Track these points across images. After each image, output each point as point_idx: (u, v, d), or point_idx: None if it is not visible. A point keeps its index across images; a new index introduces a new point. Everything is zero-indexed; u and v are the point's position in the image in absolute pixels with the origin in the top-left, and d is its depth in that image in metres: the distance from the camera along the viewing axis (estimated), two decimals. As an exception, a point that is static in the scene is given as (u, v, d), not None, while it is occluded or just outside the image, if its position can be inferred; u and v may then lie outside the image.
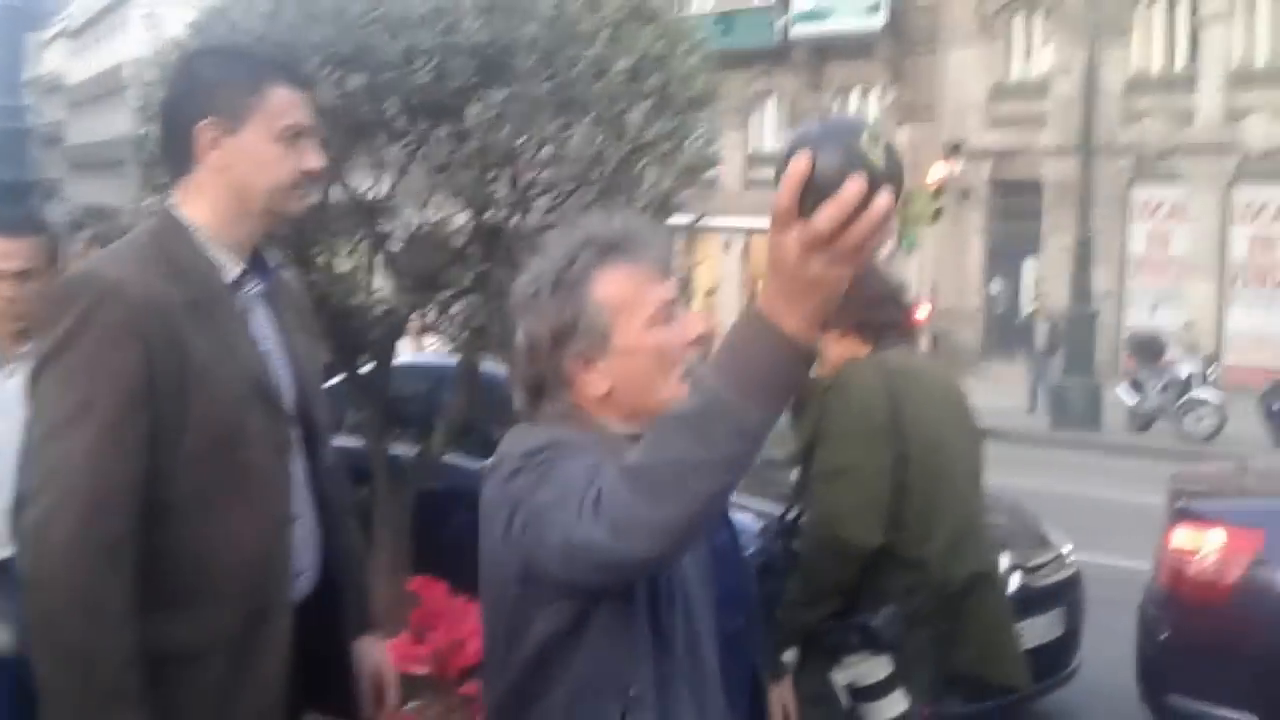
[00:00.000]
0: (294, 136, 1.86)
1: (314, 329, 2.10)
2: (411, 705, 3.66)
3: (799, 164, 1.12)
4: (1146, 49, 20.56)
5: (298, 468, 1.93)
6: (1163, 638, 4.65)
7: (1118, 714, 4.97)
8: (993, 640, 3.05)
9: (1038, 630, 4.91)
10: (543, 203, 3.34)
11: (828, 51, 24.52)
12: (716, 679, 1.65)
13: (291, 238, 3.60)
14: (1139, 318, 19.75)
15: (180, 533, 1.78)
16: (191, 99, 1.86)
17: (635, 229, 1.58)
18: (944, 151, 22.31)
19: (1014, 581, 4.94)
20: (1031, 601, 4.90)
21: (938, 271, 22.83)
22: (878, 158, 1.14)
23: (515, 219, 3.39)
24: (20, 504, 1.72)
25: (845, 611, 2.81)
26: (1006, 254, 22.36)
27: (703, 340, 1.61)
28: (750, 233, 26.61)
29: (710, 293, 24.27)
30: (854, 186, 1.12)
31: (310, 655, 1.94)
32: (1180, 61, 20.11)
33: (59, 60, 54.71)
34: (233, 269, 1.87)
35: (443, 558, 4.46)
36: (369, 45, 3.14)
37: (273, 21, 3.26)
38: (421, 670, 3.90)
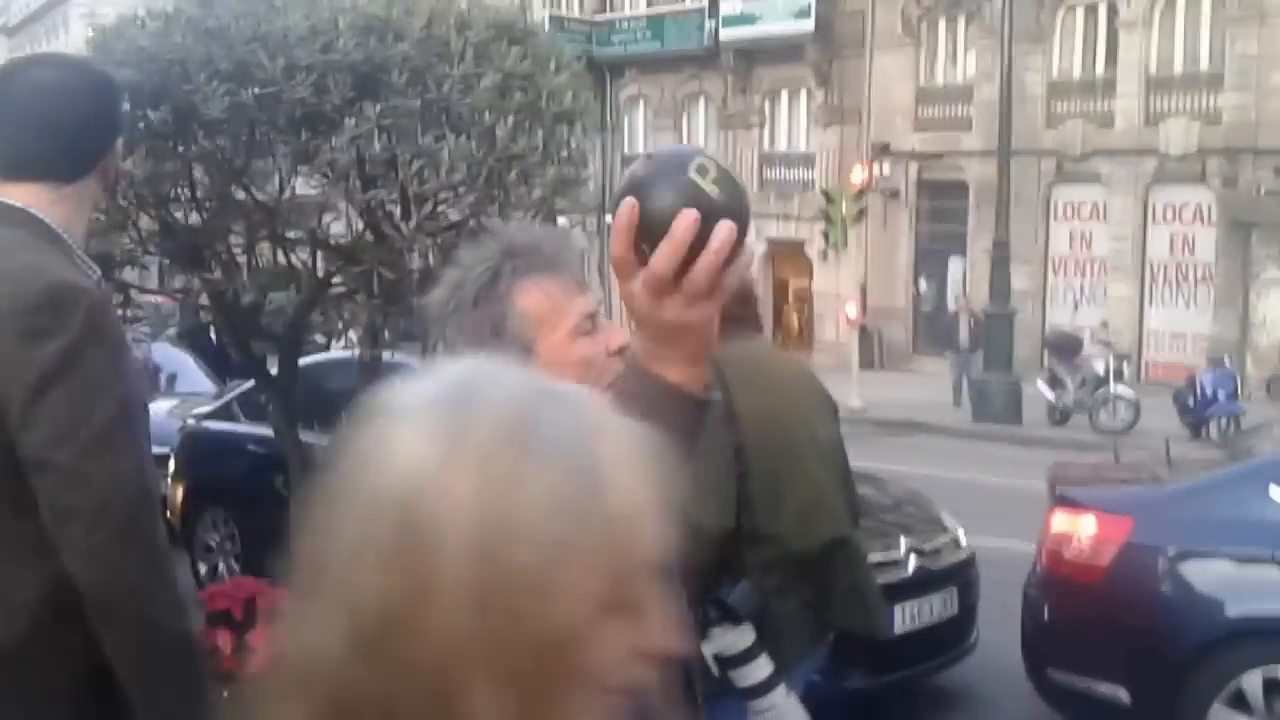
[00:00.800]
0: None
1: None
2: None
3: (625, 209, 1.09)
4: (1068, 54, 21.13)
5: None
6: (1043, 616, 4.95)
7: (1012, 688, 5.23)
8: (854, 597, 3.28)
9: (933, 609, 5.19)
10: (425, 209, 3.57)
11: (756, 55, 24.85)
12: None
13: (192, 240, 3.80)
14: (1061, 316, 20.30)
15: None
16: (111, 118, 1.94)
17: (552, 241, 1.58)
18: (871, 154, 22.77)
19: (911, 564, 5.23)
20: (927, 582, 5.18)
21: (869, 271, 23.28)
22: (710, 188, 1.10)
23: (399, 225, 3.61)
24: (68, 517, 1.65)
25: (710, 588, 3.05)
26: (934, 253, 22.86)
27: (624, 351, 1.59)
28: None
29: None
30: (684, 223, 1.07)
31: None
32: (1100, 67, 20.70)
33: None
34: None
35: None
36: (251, 63, 3.35)
37: (162, 40, 3.47)
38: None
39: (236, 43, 3.38)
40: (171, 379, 9.15)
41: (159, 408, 7.89)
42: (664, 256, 1.07)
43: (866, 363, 22.16)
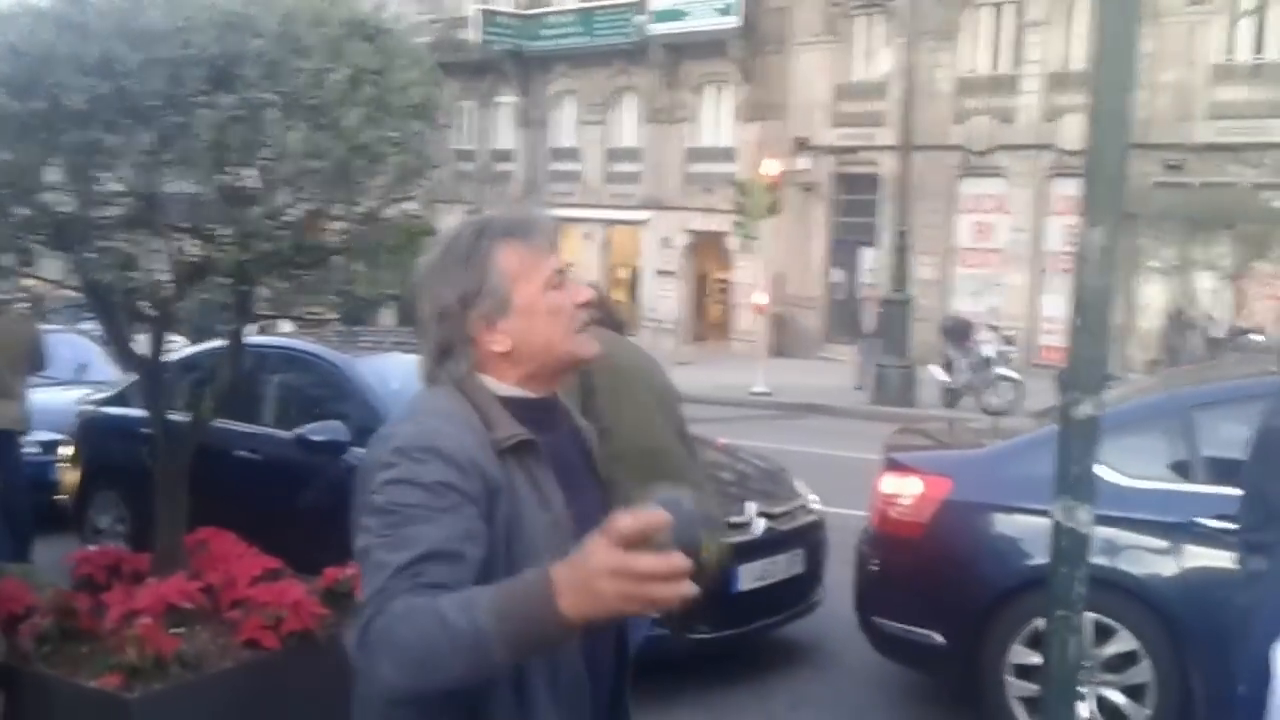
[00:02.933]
0: None
1: None
2: (177, 630, 4.12)
3: (661, 516, 1.36)
4: (976, 52, 21.80)
5: None
6: (871, 569, 5.36)
7: (852, 639, 5.64)
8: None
9: (780, 567, 5.62)
10: (276, 195, 3.90)
11: (683, 50, 25.27)
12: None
13: (66, 225, 4.08)
14: (963, 304, 20.98)
15: None
16: None
17: (528, 214, 1.78)
18: (792, 148, 23.29)
19: (758, 526, 5.65)
20: (775, 543, 5.60)
21: (785, 261, 23.82)
22: (708, 553, 1.54)
23: (263, 208, 3.91)
24: None
25: None
26: (847, 245, 23.46)
27: (589, 304, 1.81)
28: (610, 224, 27.25)
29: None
30: (681, 562, 1.33)
31: None
32: (1005, 64, 21.39)
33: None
34: None
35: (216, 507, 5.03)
36: (113, 56, 3.66)
37: (31, 36, 3.77)
38: (191, 605, 4.38)
39: (99, 37, 3.68)
40: (82, 368, 9.25)
41: (68, 395, 8.09)
42: (650, 564, 1.33)
43: (779, 350, 22.72)
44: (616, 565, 1.33)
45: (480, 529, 1.61)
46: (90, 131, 3.74)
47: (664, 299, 26.50)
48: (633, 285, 27.58)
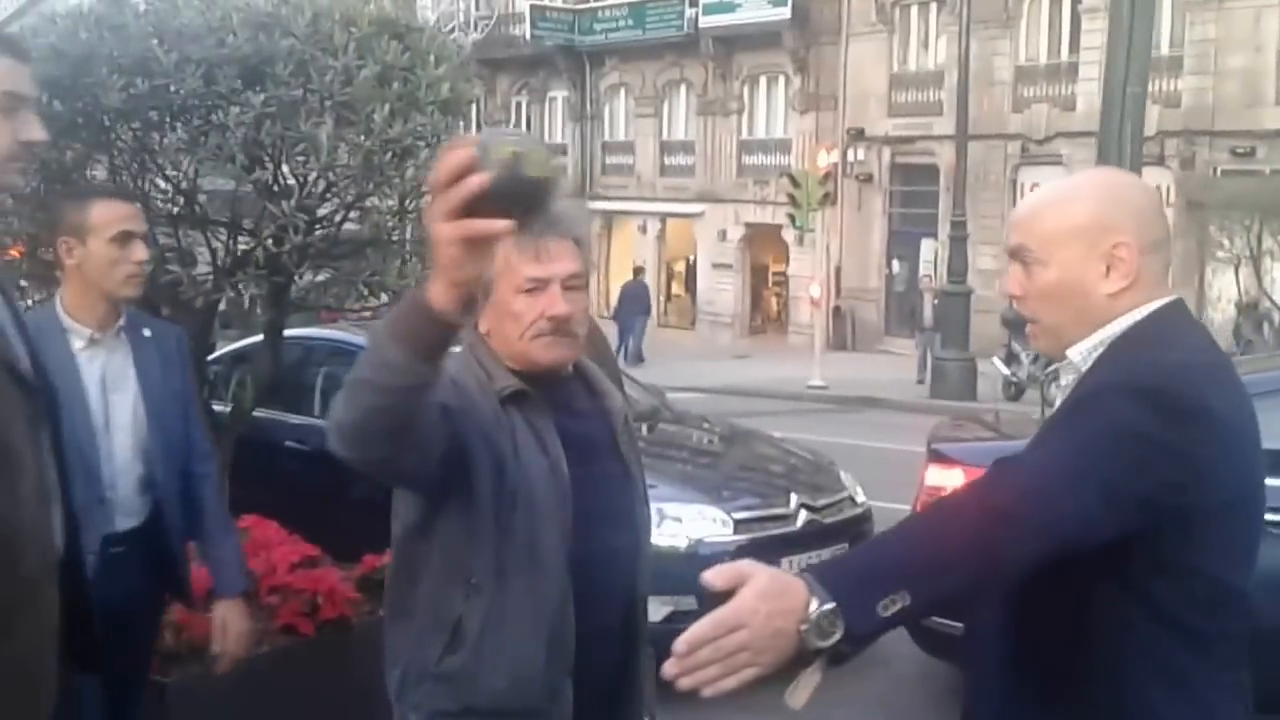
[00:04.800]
0: (10, 106, 1.84)
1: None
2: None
3: (461, 153, 1.41)
4: (1035, 39, 21.48)
5: (44, 440, 1.89)
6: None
7: (896, 636, 5.60)
8: None
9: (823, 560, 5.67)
10: (306, 189, 3.98)
11: (735, 42, 25.18)
12: (558, 577, 1.90)
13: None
14: (1025, 295, 20.63)
15: None
16: None
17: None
18: (847, 139, 23.14)
19: (800, 518, 5.65)
20: (818, 535, 5.59)
21: (843, 253, 23.68)
22: (503, 168, 1.38)
23: (282, 203, 3.98)
24: None
25: None
26: (907, 236, 23.23)
27: (562, 320, 1.91)
28: (665, 217, 27.27)
29: (638, 272, 24.87)
30: (458, 156, 1.39)
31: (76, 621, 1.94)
32: (1065, 51, 21.05)
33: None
34: None
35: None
36: (148, 57, 3.75)
37: (70, 37, 3.87)
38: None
39: (137, 38, 3.78)
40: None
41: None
42: (440, 170, 1.41)
43: (839, 343, 22.59)
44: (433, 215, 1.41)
45: (450, 409, 1.79)
46: (131, 130, 3.84)
47: (720, 292, 26.44)
48: (689, 278, 27.57)
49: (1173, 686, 1.58)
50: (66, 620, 1.89)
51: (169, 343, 2.98)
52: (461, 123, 4.34)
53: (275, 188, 3.98)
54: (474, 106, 4.02)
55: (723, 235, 26.06)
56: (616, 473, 2.03)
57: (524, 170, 1.42)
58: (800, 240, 20.83)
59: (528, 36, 27.49)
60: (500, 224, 1.41)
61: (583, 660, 1.92)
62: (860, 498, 6.17)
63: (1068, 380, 1.72)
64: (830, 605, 1.37)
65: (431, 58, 4.05)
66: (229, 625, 3.04)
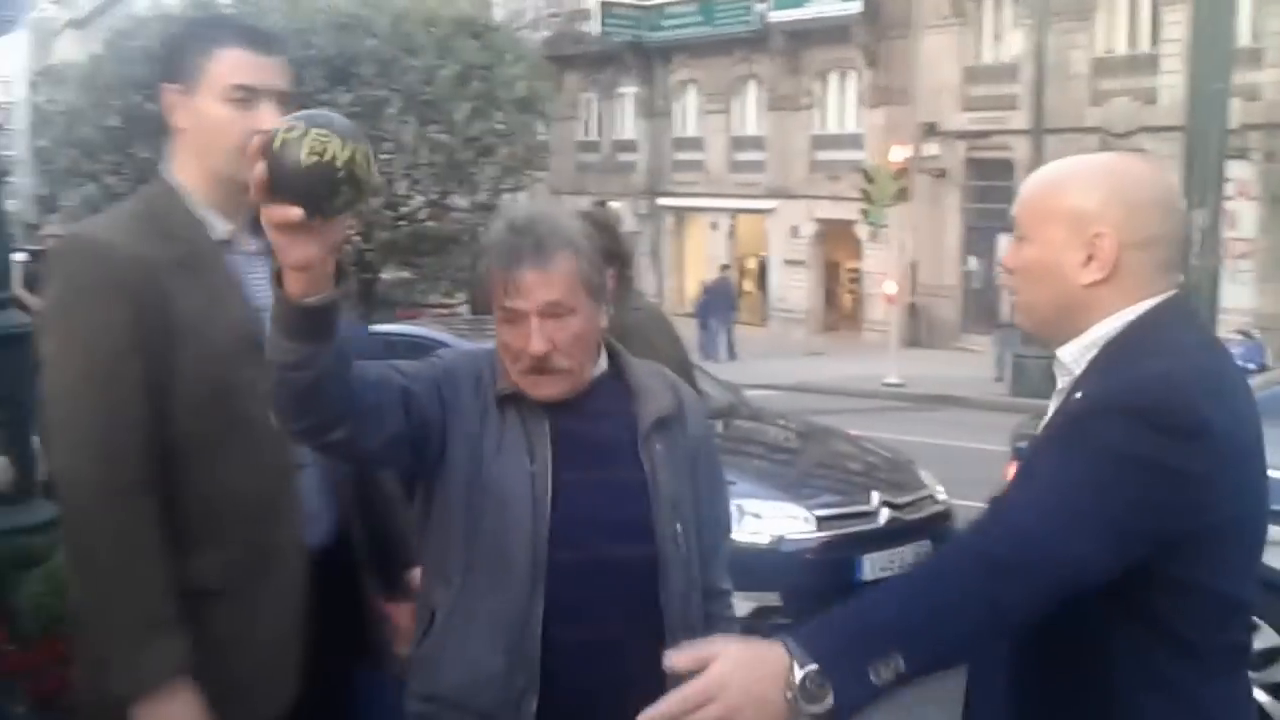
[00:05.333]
0: (245, 98, 1.87)
1: None
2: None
3: (257, 139, 1.45)
4: (1112, 31, 21.01)
5: None
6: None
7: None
8: None
9: (905, 558, 5.50)
10: (402, 186, 4.01)
11: (806, 36, 24.98)
12: (523, 584, 1.85)
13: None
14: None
15: (185, 478, 1.85)
16: (163, 67, 1.92)
17: (517, 242, 1.85)
18: (920, 133, 22.84)
19: (883, 515, 5.58)
20: (900, 533, 5.54)
21: (918, 249, 23.38)
22: (291, 153, 1.40)
23: (383, 199, 4.03)
24: (47, 456, 1.84)
25: None
26: (982, 231, 22.85)
27: (539, 358, 1.84)
28: (735, 214, 27.16)
29: (723, 269, 24.82)
30: (255, 141, 1.44)
31: (333, 606, 1.95)
32: (1144, 43, 20.56)
33: (70, 49, 55.45)
34: (221, 227, 1.93)
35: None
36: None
37: (147, 59, 3.95)
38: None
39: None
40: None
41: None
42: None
43: (913, 340, 22.32)
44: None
45: (422, 397, 1.84)
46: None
47: (793, 289, 26.26)
48: (761, 275, 27.43)
49: (1166, 697, 1.52)
50: (332, 603, 1.93)
51: None
52: (539, 120, 4.34)
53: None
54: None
55: (795, 231, 25.89)
56: (630, 479, 1.93)
57: (286, 157, 1.40)
58: (874, 236, 20.58)
59: (596, 33, 27.53)
60: (285, 213, 1.42)
61: (564, 671, 1.85)
62: (941, 495, 6.09)
63: (1062, 383, 1.65)
64: (813, 667, 1.33)
65: (508, 56, 4.05)
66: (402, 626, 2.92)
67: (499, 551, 1.86)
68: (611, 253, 2.90)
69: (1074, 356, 1.62)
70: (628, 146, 29.69)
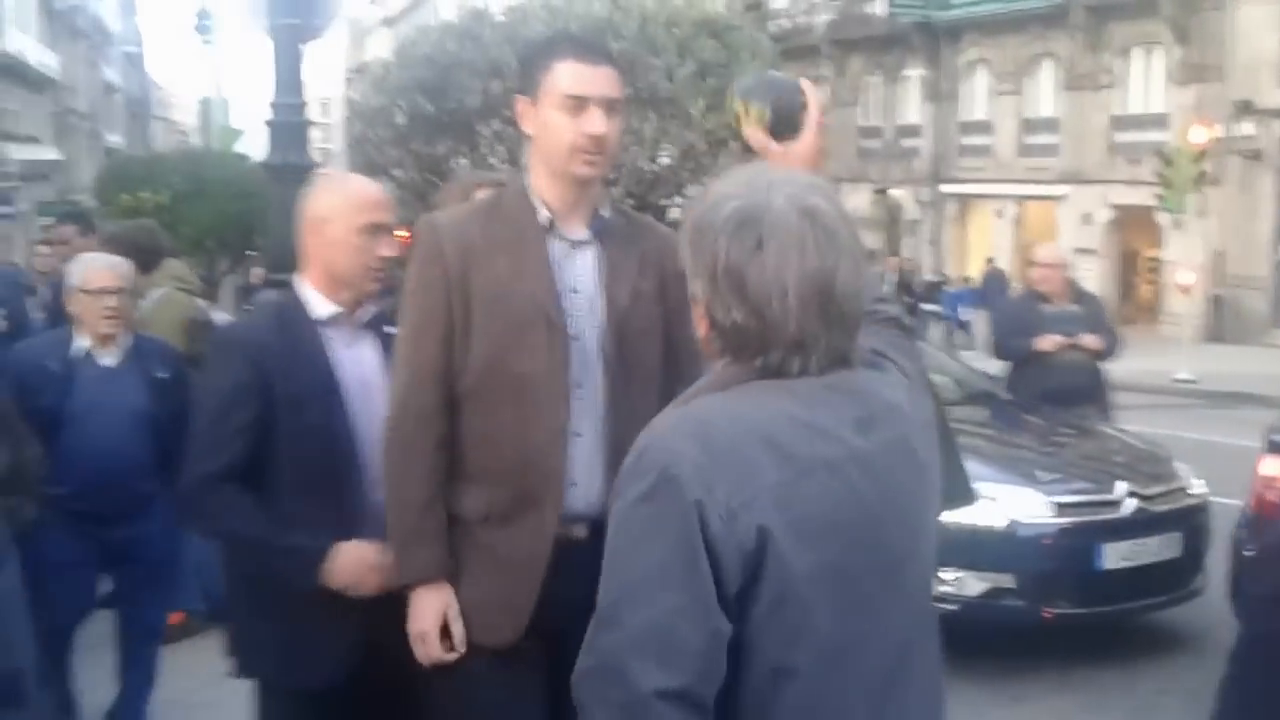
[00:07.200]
0: (576, 104, 2.09)
1: (657, 275, 2.20)
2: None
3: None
4: None
5: (592, 389, 2.12)
6: (1245, 554, 5.07)
7: (1232, 628, 5.34)
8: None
9: (1150, 549, 5.46)
10: (629, 182, 4.38)
11: (1108, 11, 23.70)
12: None
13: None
14: None
15: (466, 423, 2.12)
16: (520, 80, 2.21)
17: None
18: (1233, 112, 21.22)
19: (1127, 505, 5.50)
20: (1146, 524, 5.46)
21: (1226, 237, 21.78)
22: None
23: (620, 191, 4.39)
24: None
25: None
26: (1300, 219, 21.05)
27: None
28: (1023, 200, 26.14)
29: (989, 260, 24.09)
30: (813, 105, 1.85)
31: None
32: None
33: (382, 47, 59.47)
34: (544, 214, 2.15)
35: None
36: (500, 61, 4.28)
37: (440, 47, 4.48)
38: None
39: (491, 46, 4.32)
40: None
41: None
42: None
43: (1218, 334, 20.83)
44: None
45: None
46: (489, 126, 4.40)
47: (1084, 278, 24.88)
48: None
49: None
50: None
51: None
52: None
53: (611, 177, 4.41)
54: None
55: (1088, 218, 24.66)
56: None
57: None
58: (1176, 224, 19.34)
59: (883, 14, 27.14)
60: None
61: None
62: (1196, 489, 5.89)
63: None
64: None
65: (744, 54, 4.32)
66: None
67: None
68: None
69: None
70: (911, 131, 29.09)
